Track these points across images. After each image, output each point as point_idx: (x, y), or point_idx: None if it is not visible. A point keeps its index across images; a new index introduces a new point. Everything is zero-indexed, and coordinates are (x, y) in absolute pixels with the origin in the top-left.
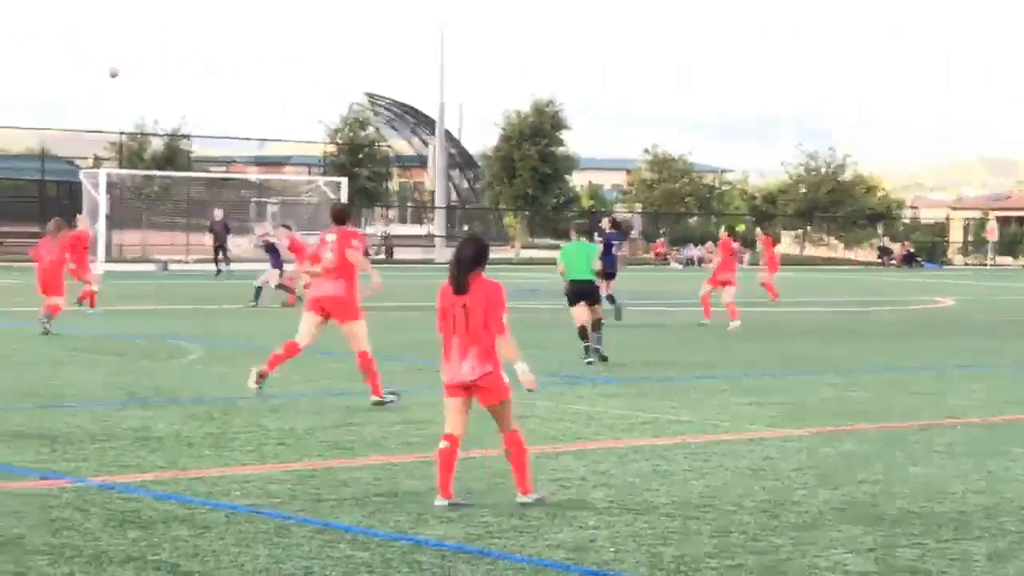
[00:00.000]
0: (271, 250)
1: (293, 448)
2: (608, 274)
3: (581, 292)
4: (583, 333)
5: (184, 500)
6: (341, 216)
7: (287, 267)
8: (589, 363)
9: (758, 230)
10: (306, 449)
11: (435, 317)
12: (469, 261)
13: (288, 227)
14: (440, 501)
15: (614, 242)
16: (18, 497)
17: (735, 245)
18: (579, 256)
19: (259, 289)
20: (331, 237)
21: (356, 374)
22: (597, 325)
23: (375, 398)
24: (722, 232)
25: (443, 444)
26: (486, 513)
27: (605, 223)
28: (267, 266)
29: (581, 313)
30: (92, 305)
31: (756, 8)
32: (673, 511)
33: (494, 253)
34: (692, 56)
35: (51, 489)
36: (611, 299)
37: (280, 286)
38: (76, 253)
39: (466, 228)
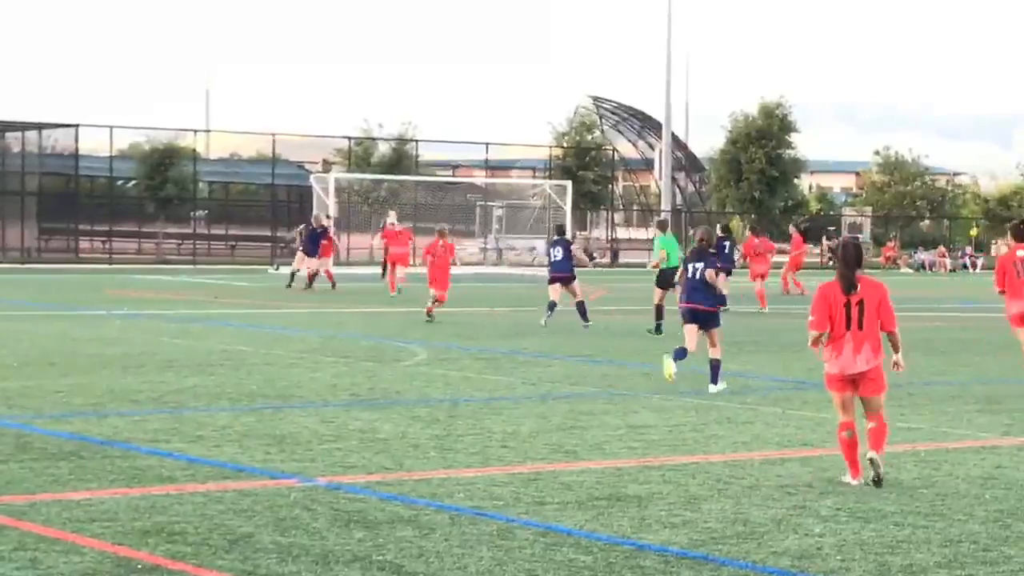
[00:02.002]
0: (312, 240)
1: (517, 451)
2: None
3: (670, 280)
4: (660, 312)
5: (409, 501)
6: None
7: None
8: (655, 334)
9: (791, 227)
10: (530, 452)
11: (813, 313)
12: (856, 261)
13: (328, 217)
14: (854, 480)
15: (727, 243)
16: (248, 496)
17: (756, 241)
18: (674, 247)
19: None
20: (1022, 253)
21: (577, 376)
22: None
23: None
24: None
25: (845, 434)
26: (710, 519)
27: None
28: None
29: (660, 294)
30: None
31: (993, 4)
32: (901, 519)
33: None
34: (926, 54)
35: (279, 488)
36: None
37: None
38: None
39: (696, 229)
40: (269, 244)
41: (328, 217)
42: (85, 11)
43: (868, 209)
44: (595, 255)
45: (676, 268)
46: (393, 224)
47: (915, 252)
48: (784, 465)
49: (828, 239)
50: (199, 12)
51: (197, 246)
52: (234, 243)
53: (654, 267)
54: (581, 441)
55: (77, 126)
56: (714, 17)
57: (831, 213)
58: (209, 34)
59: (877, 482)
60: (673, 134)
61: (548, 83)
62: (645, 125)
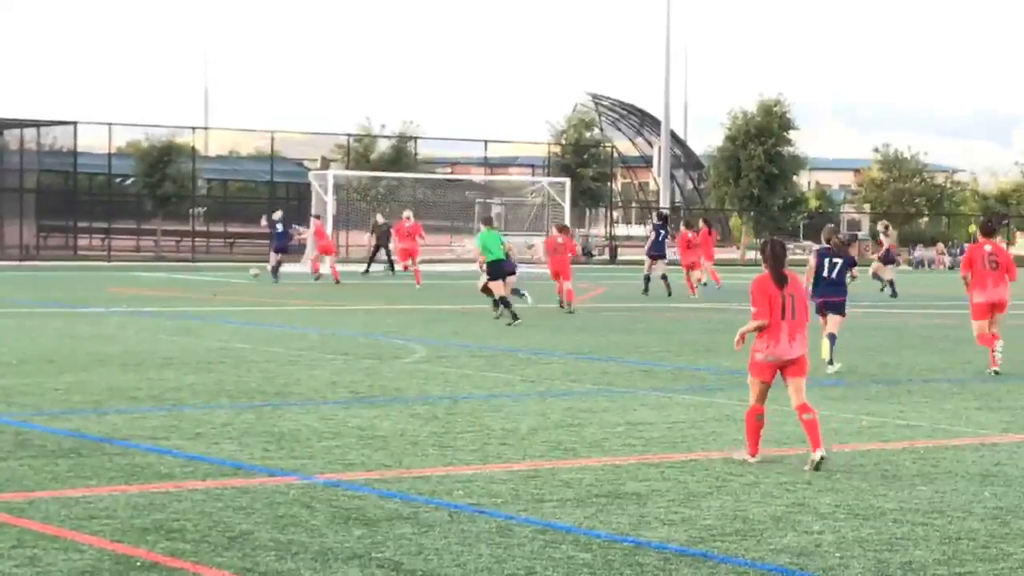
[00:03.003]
0: (279, 235)
1: (516, 448)
2: (657, 255)
3: (503, 269)
4: (504, 301)
5: (408, 499)
6: (991, 230)
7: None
8: (508, 324)
9: (700, 221)
10: (528, 449)
11: (756, 304)
12: (784, 257)
13: (318, 216)
14: (751, 458)
15: (662, 232)
16: (246, 493)
17: (690, 236)
18: (494, 241)
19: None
20: (988, 248)
21: (576, 373)
22: (513, 292)
23: None
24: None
25: (757, 417)
26: (709, 517)
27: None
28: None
29: (500, 286)
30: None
31: (991, 5)
32: (900, 517)
33: (720, 254)
34: (926, 53)
35: (278, 486)
36: (664, 278)
37: (274, 269)
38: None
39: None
40: (268, 241)
41: (316, 217)
42: (84, 8)
43: (867, 206)
44: (593, 252)
45: (500, 260)
46: (409, 218)
47: (914, 249)
48: (783, 462)
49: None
50: (198, 9)
51: (196, 243)
52: (233, 240)
53: (480, 264)
54: (580, 438)
55: (76, 123)
56: (713, 14)
57: (830, 211)
58: (208, 31)
59: (818, 466)
60: (672, 131)
61: (547, 81)
62: (644, 122)
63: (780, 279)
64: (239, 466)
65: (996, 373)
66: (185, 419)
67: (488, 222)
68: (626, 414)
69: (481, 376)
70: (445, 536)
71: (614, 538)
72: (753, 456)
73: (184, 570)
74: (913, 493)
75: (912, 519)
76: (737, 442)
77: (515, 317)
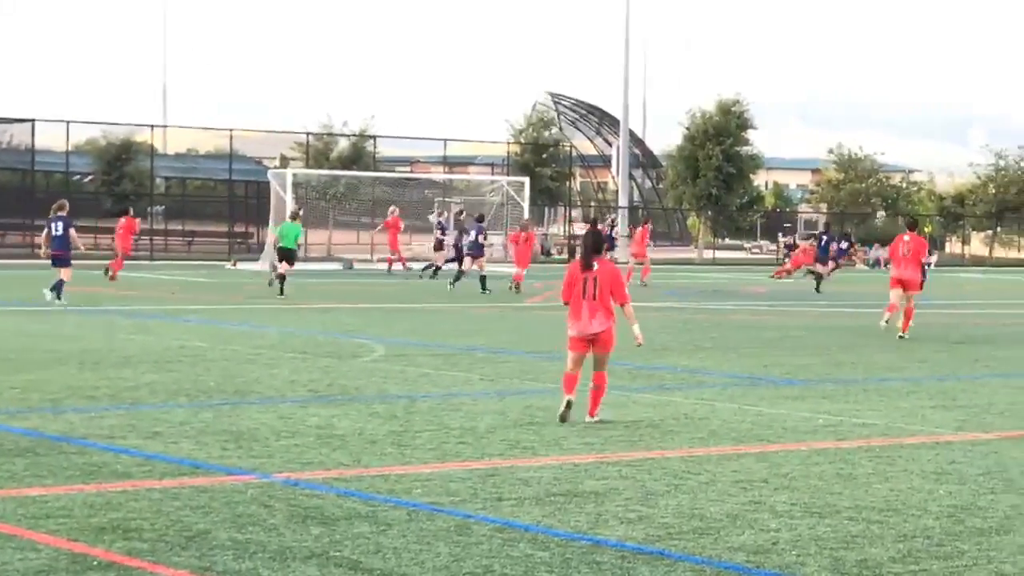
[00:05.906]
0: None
1: (474, 447)
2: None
3: (287, 255)
4: (283, 278)
5: (366, 497)
6: (914, 224)
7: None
8: (274, 287)
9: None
10: (487, 448)
11: (563, 287)
12: (595, 246)
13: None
14: (568, 395)
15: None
16: (204, 492)
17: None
18: (290, 232)
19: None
20: (907, 238)
21: (534, 372)
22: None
23: None
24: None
25: (571, 372)
26: (667, 515)
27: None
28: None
29: (283, 267)
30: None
31: (949, 5)
32: (856, 515)
33: (678, 253)
34: (885, 53)
35: (236, 485)
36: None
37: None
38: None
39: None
40: (227, 240)
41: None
42: (41, 5)
43: (824, 206)
44: (552, 251)
45: (289, 249)
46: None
47: (870, 249)
48: (740, 460)
49: (784, 236)
50: (156, 6)
51: (154, 242)
52: (191, 239)
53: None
54: (538, 437)
55: (33, 121)
56: (673, 14)
57: (787, 210)
58: (166, 29)
59: (563, 418)
60: (631, 131)
61: (506, 80)
62: (603, 122)
63: (586, 265)
64: (197, 465)
65: (902, 337)
66: (143, 418)
67: (294, 216)
68: (584, 413)
69: (439, 375)
70: (403, 535)
71: (572, 536)
72: (568, 393)
73: (141, 569)
74: (869, 491)
75: (868, 517)
76: (693, 440)
77: (281, 292)
